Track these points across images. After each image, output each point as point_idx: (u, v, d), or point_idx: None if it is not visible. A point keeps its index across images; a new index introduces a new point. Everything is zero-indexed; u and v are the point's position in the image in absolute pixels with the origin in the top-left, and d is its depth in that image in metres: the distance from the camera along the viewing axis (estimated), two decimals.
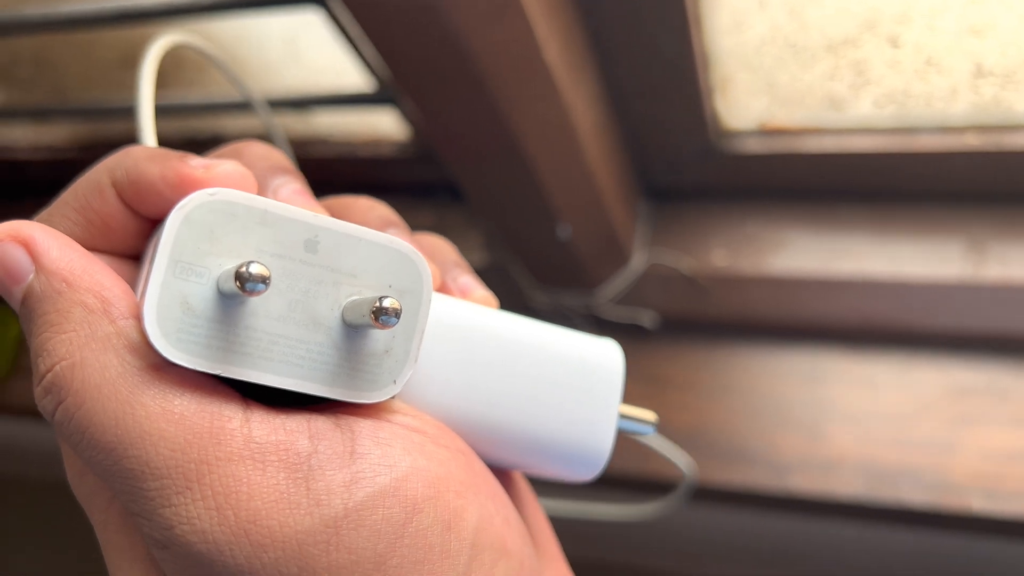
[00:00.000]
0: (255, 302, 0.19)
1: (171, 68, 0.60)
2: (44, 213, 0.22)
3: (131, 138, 0.70)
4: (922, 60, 0.46)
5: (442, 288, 0.25)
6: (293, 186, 0.23)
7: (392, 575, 0.19)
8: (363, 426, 0.20)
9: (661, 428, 0.56)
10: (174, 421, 0.19)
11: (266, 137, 0.64)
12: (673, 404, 0.56)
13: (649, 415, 0.26)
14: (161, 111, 0.61)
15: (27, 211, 0.76)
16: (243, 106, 0.58)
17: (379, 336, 0.21)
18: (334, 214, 0.24)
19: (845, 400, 0.53)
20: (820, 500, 0.51)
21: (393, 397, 0.22)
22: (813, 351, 0.55)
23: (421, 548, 0.19)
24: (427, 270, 0.21)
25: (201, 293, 0.19)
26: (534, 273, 0.57)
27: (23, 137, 0.72)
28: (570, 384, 0.24)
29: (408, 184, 0.62)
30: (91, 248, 0.22)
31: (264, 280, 0.18)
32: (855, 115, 0.50)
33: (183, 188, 0.21)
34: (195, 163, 0.21)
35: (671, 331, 0.58)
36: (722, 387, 0.56)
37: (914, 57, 0.46)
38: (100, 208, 0.22)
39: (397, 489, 0.19)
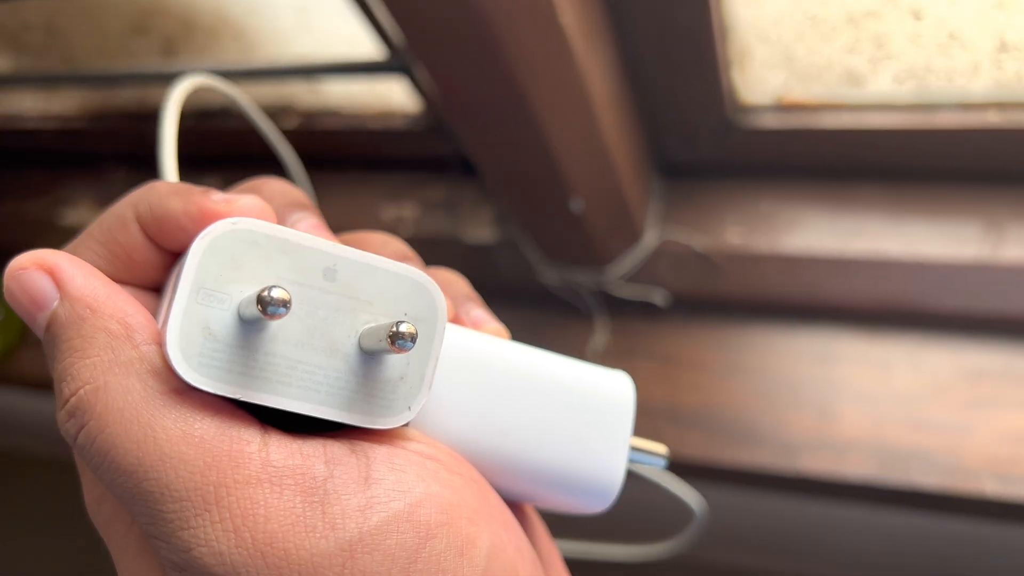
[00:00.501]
0: (275, 328, 0.20)
1: (182, 36, 0.60)
2: (70, 245, 0.23)
3: (140, 107, 0.70)
4: (945, 34, 0.45)
5: (455, 320, 0.25)
6: (311, 221, 0.24)
7: (364, 553, 0.19)
8: (378, 452, 0.21)
9: (671, 410, 0.55)
10: (194, 444, 0.19)
11: (277, 110, 0.63)
12: (684, 383, 0.56)
13: (660, 448, 0.26)
14: (171, 79, 0.61)
15: (36, 180, 0.76)
16: (255, 75, 0.58)
17: (395, 363, 0.21)
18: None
19: (858, 381, 0.53)
20: (831, 481, 0.51)
21: (407, 424, 0.22)
22: (826, 331, 0.54)
23: (434, 573, 0.20)
24: (442, 299, 0.22)
25: (222, 319, 0.20)
26: (545, 249, 0.56)
27: (33, 106, 0.72)
28: (582, 415, 0.24)
29: (419, 159, 0.62)
30: (114, 280, 0.22)
31: (285, 304, 0.18)
32: (874, 91, 0.49)
33: (205, 222, 0.21)
34: (216, 198, 0.22)
35: (683, 309, 0.57)
36: (734, 367, 0.55)
37: (936, 31, 0.45)
38: (124, 241, 0.22)
39: (411, 515, 0.20)
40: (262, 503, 0.19)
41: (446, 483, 0.21)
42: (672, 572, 0.74)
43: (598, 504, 0.25)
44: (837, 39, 0.47)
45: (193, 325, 0.19)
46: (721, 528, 0.71)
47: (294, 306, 0.20)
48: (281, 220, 0.24)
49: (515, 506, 0.26)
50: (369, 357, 0.21)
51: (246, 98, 0.34)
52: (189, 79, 0.30)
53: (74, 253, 0.22)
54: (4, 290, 0.21)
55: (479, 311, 0.26)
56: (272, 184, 0.25)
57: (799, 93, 0.51)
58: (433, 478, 0.21)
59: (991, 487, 0.48)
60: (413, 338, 0.20)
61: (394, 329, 0.20)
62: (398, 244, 0.25)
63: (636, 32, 0.47)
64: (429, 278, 0.22)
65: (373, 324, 0.21)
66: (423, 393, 0.21)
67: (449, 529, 0.20)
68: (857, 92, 0.49)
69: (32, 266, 0.21)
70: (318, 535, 0.19)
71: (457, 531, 0.20)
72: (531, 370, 0.24)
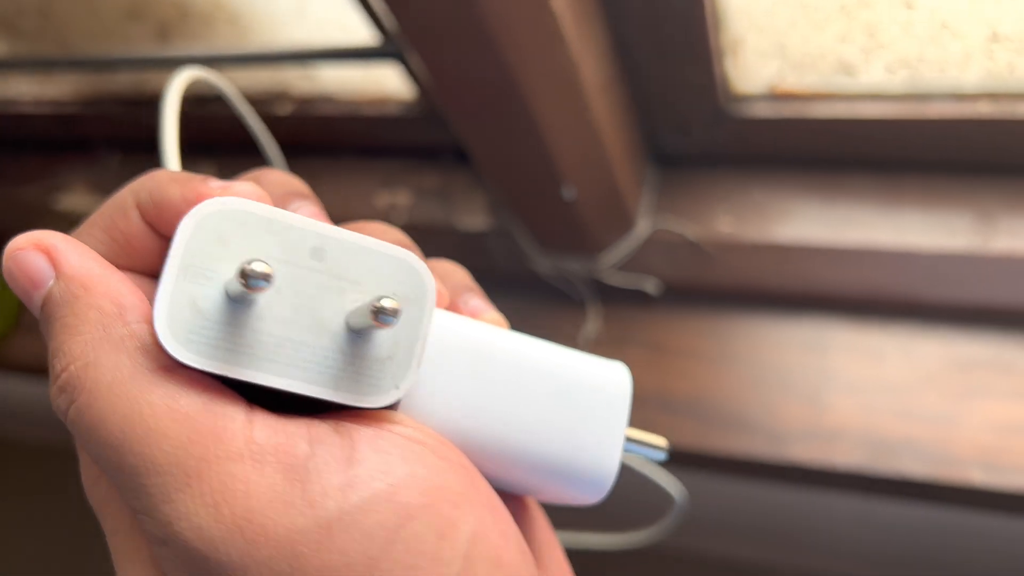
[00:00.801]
0: (262, 306, 0.20)
1: (176, 21, 0.60)
2: (74, 232, 0.23)
3: (134, 92, 0.69)
4: (937, 24, 0.45)
5: (453, 310, 0.25)
6: (310, 209, 0.24)
7: (343, 531, 0.19)
8: (363, 433, 0.21)
9: (662, 399, 0.55)
10: (179, 420, 0.19)
11: (272, 96, 0.63)
12: (675, 371, 0.56)
13: (659, 440, 0.26)
14: (166, 64, 0.61)
15: (30, 165, 0.76)
16: (249, 60, 0.58)
17: (382, 342, 0.21)
18: None
19: (848, 371, 0.53)
20: (820, 469, 0.51)
21: (396, 407, 0.22)
22: (817, 321, 0.55)
23: (413, 554, 0.19)
24: (430, 278, 0.22)
25: (211, 296, 0.20)
26: (538, 237, 0.56)
27: (27, 91, 0.72)
28: (577, 404, 0.24)
29: (413, 146, 0.62)
30: (115, 266, 0.22)
31: (266, 278, 0.19)
32: (866, 80, 0.49)
33: None
34: (214, 184, 0.22)
35: (675, 298, 0.58)
36: (725, 355, 0.55)
37: (929, 20, 0.45)
38: (124, 228, 0.23)
39: (392, 496, 0.20)
40: (242, 479, 0.19)
41: (431, 467, 0.21)
42: (660, 561, 0.74)
43: (592, 495, 0.25)
44: (830, 28, 0.47)
45: (181, 302, 0.20)
46: (710, 516, 0.71)
47: (281, 284, 0.20)
48: (281, 207, 0.24)
49: (514, 499, 0.26)
50: (357, 336, 0.21)
51: (236, 91, 0.35)
52: (184, 72, 0.30)
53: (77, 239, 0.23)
54: (3, 270, 0.21)
55: (477, 301, 0.26)
56: (272, 174, 0.25)
57: (792, 82, 0.51)
58: (418, 461, 0.21)
59: (979, 477, 0.48)
60: (396, 313, 0.20)
61: (377, 304, 0.20)
62: (397, 233, 0.25)
63: (629, 20, 0.47)
64: (417, 258, 0.22)
65: (360, 303, 0.21)
66: (411, 372, 0.21)
67: (430, 511, 0.20)
68: (850, 82, 0.50)
69: (29, 246, 0.21)
70: (296, 512, 0.19)
71: (439, 514, 0.20)
72: (526, 358, 0.24)
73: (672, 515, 0.47)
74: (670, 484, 0.43)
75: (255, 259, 0.19)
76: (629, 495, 0.53)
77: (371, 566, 0.19)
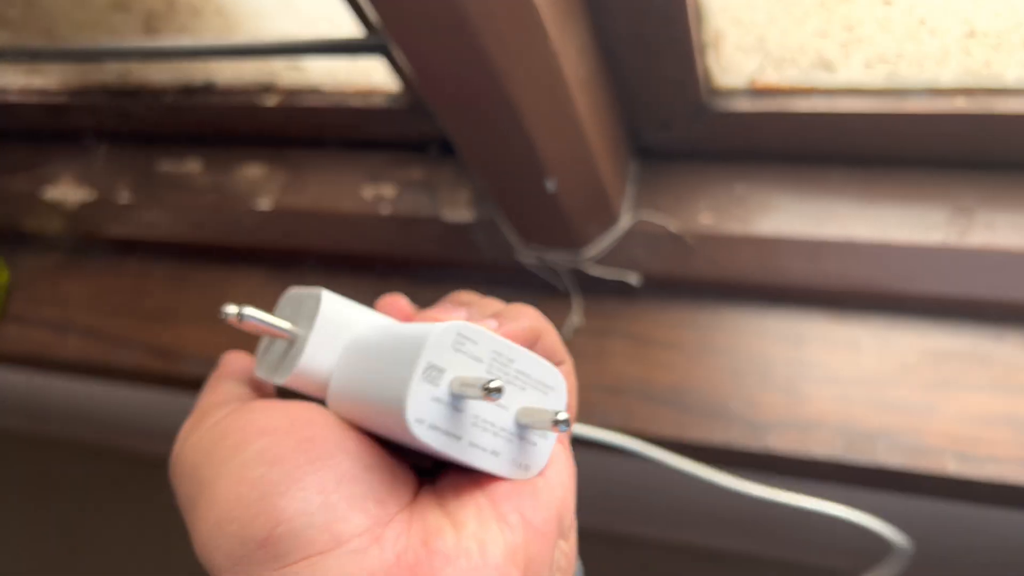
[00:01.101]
0: (273, 345, 0.36)
1: (163, 12, 0.60)
2: None
3: (121, 83, 0.69)
4: (914, 20, 0.46)
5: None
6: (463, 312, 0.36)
7: (191, 446, 0.32)
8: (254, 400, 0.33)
9: (643, 389, 0.56)
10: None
11: (259, 87, 0.63)
12: (655, 362, 0.57)
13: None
14: (155, 55, 0.61)
15: (17, 155, 0.75)
16: (237, 52, 0.58)
17: (295, 349, 0.34)
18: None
19: (826, 362, 0.54)
20: (797, 459, 0.52)
21: (290, 379, 0.33)
22: (796, 313, 0.55)
23: (208, 441, 0.31)
24: (324, 302, 0.33)
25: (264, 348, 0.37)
26: (521, 230, 0.57)
27: (14, 81, 0.72)
28: (393, 355, 0.30)
29: (400, 138, 0.62)
30: None
31: (238, 313, 0.33)
32: (845, 76, 0.50)
33: None
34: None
35: (656, 290, 0.58)
36: (705, 347, 0.56)
37: (906, 16, 0.46)
38: None
39: (214, 423, 0.32)
40: (188, 421, 0.34)
41: (266, 412, 0.31)
42: (640, 549, 0.75)
43: (398, 424, 0.28)
44: (809, 23, 0.48)
45: (262, 349, 0.37)
46: (694, 507, 0.72)
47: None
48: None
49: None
50: (289, 346, 0.34)
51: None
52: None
53: None
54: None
55: (492, 322, 0.34)
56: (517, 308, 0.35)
57: (772, 77, 0.51)
58: (259, 409, 0.31)
59: (953, 467, 0.49)
60: (241, 317, 0.32)
61: (232, 311, 0.32)
62: (465, 295, 0.36)
63: (611, 15, 0.47)
64: (323, 292, 0.34)
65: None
66: (298, 362, 0.33)
67: (227, 427, 0.31)
68: (829, 77, 0.50)
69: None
70: (185, 432, 0.33)
71: (243, 434, 0.30)
72: (375, 333, 0.32)
73: (892, 560, 0.48)
74: (888, 531, 0.45)
75: (245, 307, 0.33)
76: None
77: (200, 460, 0.31)
